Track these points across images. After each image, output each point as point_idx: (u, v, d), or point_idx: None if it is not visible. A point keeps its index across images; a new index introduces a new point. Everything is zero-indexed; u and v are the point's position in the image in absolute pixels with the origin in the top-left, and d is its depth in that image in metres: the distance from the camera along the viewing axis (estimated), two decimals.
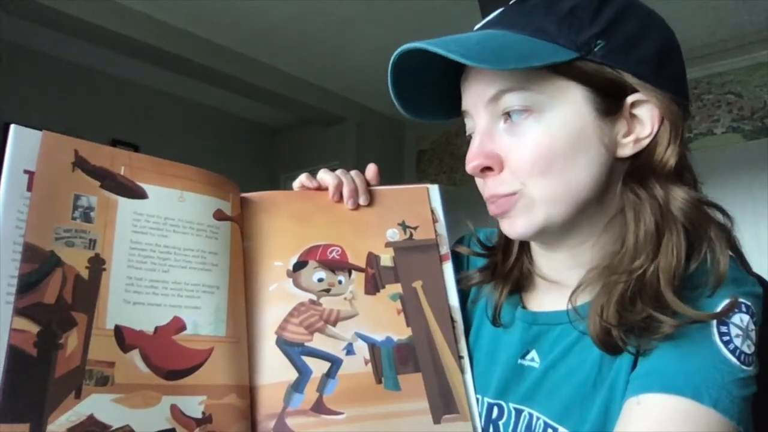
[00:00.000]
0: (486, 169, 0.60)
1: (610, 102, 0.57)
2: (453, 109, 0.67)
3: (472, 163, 0.60)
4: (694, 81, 3.42)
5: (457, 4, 2.51)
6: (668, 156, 0.57)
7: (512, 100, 0.58)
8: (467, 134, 0.65)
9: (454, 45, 0.55)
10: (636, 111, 0.58)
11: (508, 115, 0.59)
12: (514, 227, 0.61)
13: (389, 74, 0.62)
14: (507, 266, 0.70)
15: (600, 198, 0.59)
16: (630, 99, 0.57)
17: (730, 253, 0.59)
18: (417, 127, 4.43)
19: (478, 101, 0.61)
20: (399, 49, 0.59)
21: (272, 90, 3.68)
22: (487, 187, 0.61)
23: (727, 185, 3.15)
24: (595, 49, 0.56)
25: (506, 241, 0.70)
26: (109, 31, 2.89)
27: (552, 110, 0.57)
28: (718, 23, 3.04)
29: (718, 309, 0.53)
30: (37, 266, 0.53)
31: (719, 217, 0.58)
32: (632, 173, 0.58)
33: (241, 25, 3.15)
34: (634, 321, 0.54)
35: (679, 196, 0.56)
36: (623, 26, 0.57)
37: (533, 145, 0.57)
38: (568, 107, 0.57)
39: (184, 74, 3.47)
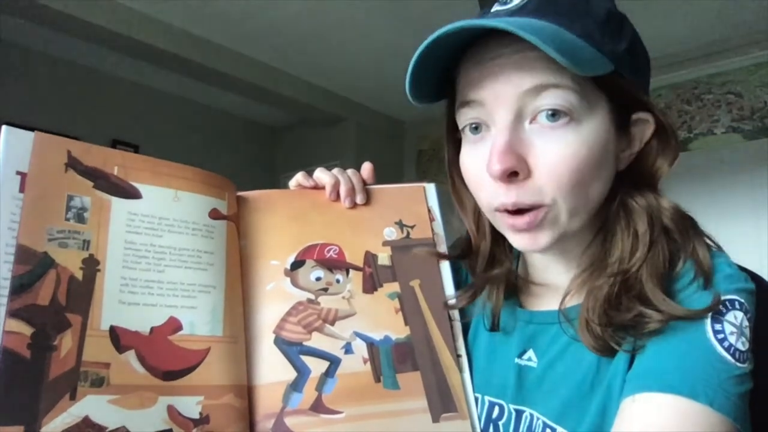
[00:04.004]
0: (512, 174, 0.55)
1: (623, 118, 0.58)
2: (439, 90, 0.62)
3: (503, 165, 0.54)
4: (694, 81, 3.42)
5: (457, 4, 2.50)
6: (658, 167, 0.59)
7: (556, 98, 0.54)
8: (469, 123, 0.59)
9: (548, 38, 0.49)
10: (632, 127, 0.59)
11: (539, 114, 0.55)
12: (537, 241, 0.58)
13: (420, 51, 0.55)
14: (481, 269, 0.69)
15: (600, 207, 0.60)
16: (635, 116, 0.59)
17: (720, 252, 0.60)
18: (417, 127, 4.43)
19: (509, 91, 0.55)
20: (460, 24, 0.51)
21: (272, 90, 3.68)
22: (509, 196, 0.56)
23: (727, 185, 3.15)
24: (625, 64, 0.56)
25: (479, 251, 0.70)
26: (109, 31, 2.89)
27: (588, 120, 0.55)
28: (718, 23, 3.04)
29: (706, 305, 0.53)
30: (31, 268, 0.52)
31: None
32: (627, 183, 0.60)
33: (241, 25, 3.15)
34: (623, 321, 0.54)
35: (668, 205, 0.58)
36: (639, 45, 0.59)
37: (571, 158, 0.54)
38: (599, 119, 0.56)
39: (184, 74, 3.46)
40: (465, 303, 0.69)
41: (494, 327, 0.68)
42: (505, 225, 0.59)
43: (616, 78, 0.56)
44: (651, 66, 0.63)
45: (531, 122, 0.55)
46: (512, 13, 0.56)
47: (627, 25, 0.59)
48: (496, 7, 0.59)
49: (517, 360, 0.65)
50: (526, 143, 0.55)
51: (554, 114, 0.54)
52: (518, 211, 0.57)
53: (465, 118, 0.59)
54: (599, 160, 0.56)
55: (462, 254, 0.72)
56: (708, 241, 0.60)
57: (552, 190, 0.55)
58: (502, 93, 0.55)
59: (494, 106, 0.56)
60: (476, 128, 0.59)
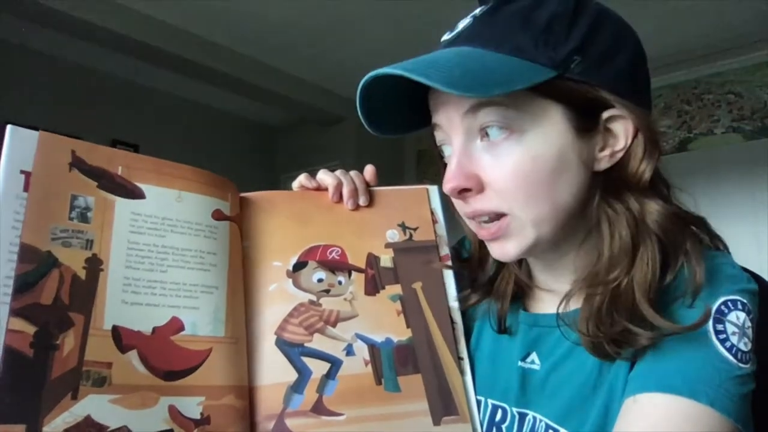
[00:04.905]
0: (465, 191, 0.58)
1: (587, 119, 0.57)
2: (417, 121, 0.65)
3: (450, 184, 0.58)
4: (694, 81, 3.42)
5: (456, 4, 2.51)
6: (643, 169, 0.57)
7: (491, 115, 0.56)
8: (438, 145, 0.64)
9: (434, 72, 0.53)
10: (610, 125, 0.57)
11: (485, 131, 0.57)
12: (505, 250, 0.60)
13: (358, 98, 0.60)
14: (487, 277, 0.70)
15: (579, 213, 0.59)
16: (606, 114, 0.57)
17: (724, 252, 0.59)
18: None
19: (454, 114, 0.58)
20: (371, 74, 0.56)
21: (272, 90, 3.67)
22: (469, 205, 0.60)
23: (727, 185, 3.15)
24: (572, 66, 0.55)
25: (479, 252, 0.70)
26: (109, 31, 2.89)
27: (532, 131, 0.56)
28: (718, 23, 3.04)
29: (695, 319, 0.52)
30: (34, 267, 0.52)
31: (695, 228, 0.59)
32: (608, 186, 0.58)
33: (241, 25, 3.15)
34: (612, 334, 0.54)
35: (654, 209, 0.56)
36: (598, 40, 0.56)
37: (515, 169, 0.56)
38: (548, 128, 0.56)
39: (184, 74, 3.46)
40: (471, 303, 0.70)
41: (501, 329, 0.68)
42: (479, 234, 0.62)
43: (562, 82, 0.55)
44: (642, 55, 0.60)
45: (481, 139, 0.57)
46: (449, 43, 0.60)
47: (580, 22, 0.56)
48: (445, 36, 0.62)
49: (520, 363, 0.65)
50: (476, 160, 0.58)
51: (493, 130, 0.56)
52: (487, 221, 0.59)
53: (437, 139, 0.63)
54: (554, 167, 0.56)
55: (464, 260, 0.73)
56: (716, 243, 0.59)
57: (505, 201, 0.57)
58: (451, 116, 0.58)
59: (448, 128, 0.59)
60: (447, 148, 0.62)
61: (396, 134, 0.66)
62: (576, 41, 0.55)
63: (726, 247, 0.61)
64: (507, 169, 0.56)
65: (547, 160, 0.55)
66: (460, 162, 0.58)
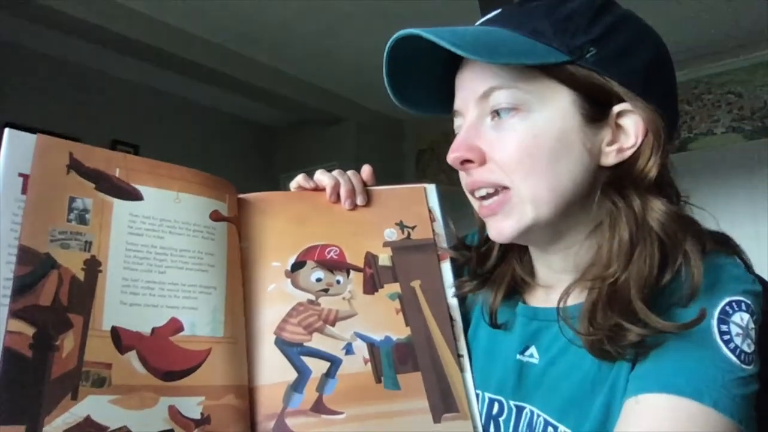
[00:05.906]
0: (467, 162, 0.61)
1: (597, 109, 0.58)
2: (444, 104, 0.67)
3: (454, 153, 0.61)
4: (694, 81, 3.41)
5: (457, 4, 2.50)
6: (649, 168, 0.57)
7: (501, 97, 0.58)
8: (455, 130, 0.65)
9: (448, 35, 0.55)
10: (621, 121, 0.58)
11: (496, 113, 0.59)
12: (502, 228, 0.61)
13: (384, 60, 0.62)
14: (487, 268, 0.70)
15: (582, 204, 0.60)
16: (616, 108, 0.58)
17: (735, 255, 0.60)
18: (416, 126, 4.42)
19: (469, 97, 0.61)
20: (395, 35, 0.59)
21: (272, 90, 3.67)
22: (471, 177, 0.62)
23: (727, 185, 3.15)
24: (587, 56, 0.56)
25: (485, 245, 0.71)
26: (109, 31, 2.89)
27: (539, 111, 0.58)
28: (718, 23, 3.04)
29: (690, 320, 0.52)
30: (33, 268, 0.53)
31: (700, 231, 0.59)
32: (612, 182, 0.59)
33: (241, 25, 3.14)
34: (605, 329, 0.54)
35: (656, 207, 0.56)
36: (617, 36, 0.58)
37: (516, 143, 0.58)
38: (555, 109, 0.57)
39: (184, 74, 3.46)
40: (466, 291, 0.71)
41: (493, 323, 0.69)
42: (479, 212, 0.64)
43: (574, 68, 0.57)
44: (666, 60, 0.62)
45: (492, 119, 0.60)
46: (480, 24, 0.63)
47: (602, 20, 0.58)
48: (478, 23, 0.65)
49: (518, 356, 0.66)
50: (483, 135, 0.60)
51: (503, 111, 0.59)
52: (487, 197, 0.61)
53: (455, 125, 0.66)
54: (555, 147, 0.57)
55: (468, 247, 0.73)
56: (721, 246, 0.59)
57: (506, 174, 0.59)
58: (467, 100, 0.62)
59: (464, 111, 0.63)
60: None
61: (418, 110, 0.69)
62: (595, 34, 0.57)
63: (734, 251, 0.61)
64: (509, 143, 0.58)
65: (548, 139, 0.57)
66: (467, 134, 0.61)
